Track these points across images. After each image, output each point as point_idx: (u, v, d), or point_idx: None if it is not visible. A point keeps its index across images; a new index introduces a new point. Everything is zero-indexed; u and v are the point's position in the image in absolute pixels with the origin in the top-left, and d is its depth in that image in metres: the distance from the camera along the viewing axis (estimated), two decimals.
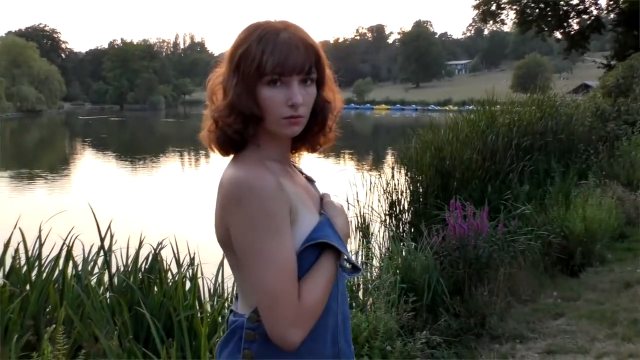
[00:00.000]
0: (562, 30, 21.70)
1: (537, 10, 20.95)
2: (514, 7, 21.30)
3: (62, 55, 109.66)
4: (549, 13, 20.51)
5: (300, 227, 1.10)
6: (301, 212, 1.11)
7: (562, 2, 20.61)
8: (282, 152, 1.18)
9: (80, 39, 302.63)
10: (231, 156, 1.15)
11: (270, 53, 1.06)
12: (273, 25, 1.09)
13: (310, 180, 1.28)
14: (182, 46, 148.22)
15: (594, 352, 3.32)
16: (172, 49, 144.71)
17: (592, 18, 21.14)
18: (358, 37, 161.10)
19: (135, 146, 32.24)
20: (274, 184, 1.06)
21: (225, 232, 1.10)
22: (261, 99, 1.08)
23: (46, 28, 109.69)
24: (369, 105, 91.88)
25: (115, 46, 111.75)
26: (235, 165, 1.11)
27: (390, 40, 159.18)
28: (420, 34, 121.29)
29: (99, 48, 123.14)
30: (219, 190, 1.10)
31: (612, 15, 20.64)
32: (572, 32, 21.48)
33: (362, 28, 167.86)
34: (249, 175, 1.06)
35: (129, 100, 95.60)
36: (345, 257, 1.12)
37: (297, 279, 1.07)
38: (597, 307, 4.08)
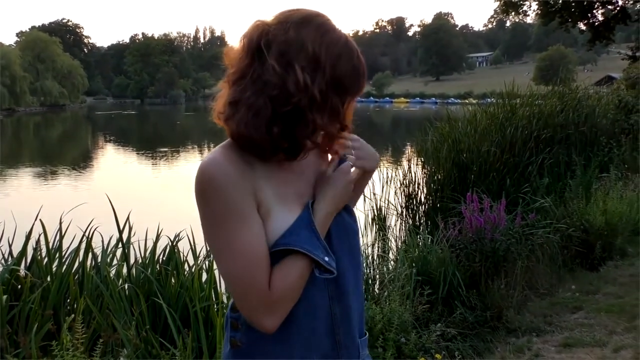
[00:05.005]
0: (586, 21, 21.24)
1: (560, 1, 20.55)
2: None
3: (85, 50, 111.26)
4: (573, 3, 20.10)
5: (273, 227, 1.08)
6: (275, 212, 1.08)
7: None
8: None
9: (102, 33, 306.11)
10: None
11: (363, 78, 1.11)
12: (345, 34, 1.11)
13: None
14: (202, 40, 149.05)
15: (612, 345, 3.28)
16: (192, 43, 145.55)
17: (618, 8, 20.67)
18: (378, 30, 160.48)
19: (155, 140, 32.53)
20: (233, 174, 1.05)
21: None
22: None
23: (69, 23, 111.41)
24: (388, 98, 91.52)
25: (137, 41, 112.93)
26: (212, 152, 1.11)
27: (410, 33, 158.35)
28: (440, 27, 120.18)
29: (120, 43, 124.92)
30: None
31: (638, 6, 20.16)
32: (597, 23, 21.02)
33: (382, 21, 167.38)
34: (210, 165, 1.06)
35: (149, 95, 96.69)
36: (318, 258, 1.08)
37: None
38: (617, 301, 4.02)
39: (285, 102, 1.03)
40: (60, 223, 3.64)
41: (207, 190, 1.05)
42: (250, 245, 1.04)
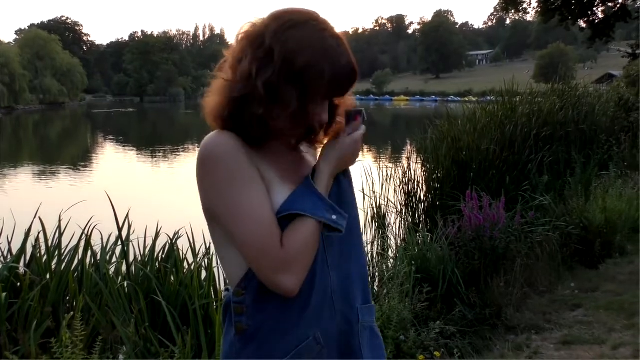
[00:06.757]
0: (586, 19, 21.20)
1: None
2: None
3: (84, 47, 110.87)
4: (573, 1, 20.06)
5: (274, 200, 1.10)
6: (275, 186, 1.11)
7: None
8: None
9: (101, 31, 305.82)
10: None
11: (333, 79, 1.06)
12: (328, 35, 1.08)
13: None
14: (201, 38, 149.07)
15: (611, 342, 3.29)
16: (191, 41, 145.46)
17: (618, 6, 20.64)
18: (377, 28, 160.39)
19: (154, 138, 32.49)
20: (234, 145, 1.08)
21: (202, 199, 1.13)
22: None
23: (68, 21, 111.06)
24: (387, 96, 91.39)
25: (136, 38, 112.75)
26: (211, 133, 1.13)
27: (410, 31, 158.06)
28: (440, 24, 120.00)
29: (120, 40, 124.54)
30: None
31: (638, 3, 20.15)
32: (597, 21, 20.98)
33: (382, 18, 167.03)
34: (211, 139, 1.10)
35: (149, 92, 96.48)
36: (324, 218, 1.10)
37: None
38: (616, 298, 4.03)
39: (233, 90, 1.09)
40: (60, 221, 3.63)
41: (209, 160, 1.08)
42: (258, 206, 1.06)
